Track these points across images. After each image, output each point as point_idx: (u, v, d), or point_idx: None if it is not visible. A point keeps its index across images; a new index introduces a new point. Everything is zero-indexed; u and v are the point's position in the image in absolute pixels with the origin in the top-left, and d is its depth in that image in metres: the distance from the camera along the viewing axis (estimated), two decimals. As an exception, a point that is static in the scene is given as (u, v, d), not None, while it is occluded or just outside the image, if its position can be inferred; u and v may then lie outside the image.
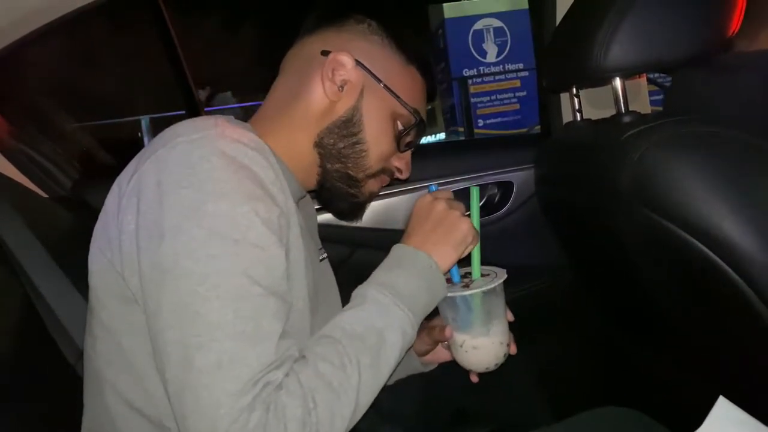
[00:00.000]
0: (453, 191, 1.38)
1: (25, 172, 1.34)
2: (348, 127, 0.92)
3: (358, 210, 1.02)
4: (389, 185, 1.56)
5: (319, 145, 0.93)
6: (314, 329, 0.89)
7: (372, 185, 0.99)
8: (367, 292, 0.82)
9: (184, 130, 0.77)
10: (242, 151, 0.76)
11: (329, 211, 1.04)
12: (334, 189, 0.97)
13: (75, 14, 1.26)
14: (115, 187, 0.81)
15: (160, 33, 1.77)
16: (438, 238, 0.88)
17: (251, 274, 0.70)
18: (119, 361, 0.80)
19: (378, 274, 0.86)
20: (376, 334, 0.77)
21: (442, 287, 0.88)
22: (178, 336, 0.68)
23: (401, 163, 0.99)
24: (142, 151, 0.81)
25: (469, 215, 0.92)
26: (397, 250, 0.89)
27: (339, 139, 0.93)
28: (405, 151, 0.99)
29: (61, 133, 1.65)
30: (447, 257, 0.88)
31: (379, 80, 0.93)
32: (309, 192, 1.03)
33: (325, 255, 1.09)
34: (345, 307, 0.83)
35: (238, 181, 0.73)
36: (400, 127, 0.96)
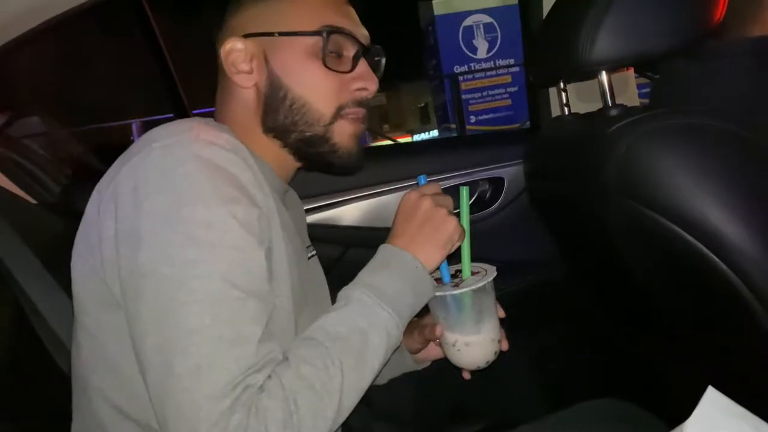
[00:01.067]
0: (444, 188, 1.38)
1: (13, 178, 1.33)
2: (275, 96, 0.88)
3: (353, 158, 0.94)
4: (379, 183, 1.58)
5: (268, 129, 0.90)
6: (302, 327, 0.88)
7: (343, 127, 0.90)
8: (351, 293, 0.82)
9: (159, 135, 0.77)
10: (217, 153, 0.75)
11: (332, 173, 0.97)
12: (309, 155, 0.93)
13: (62, 18, 1.25)
14: (95, 193, 0.81)
15: (147, 37, 1.76)
16: (424, 237, 0.87)
17: (229, 277, 0.69)
18: (104, 366, 0.80)
19: (363, 275, 0.85)
20: (360, 335, 0.77)
21: (429, 287, 0.87)
22: (157, 341, 0.68)
23: (359, 81, 0.90)
24: (121, 157, 0.80)
25: (457, 213, 0.92)
26: (382, 250, 0.88)
27: (276, 113, 0.89)
28: (354, 68, 0.90)
29: (50, 139, 1.64)
30: (433, 257, 0.87)
31: (270, 34, 0.87)
32: (299, 170, 0.99)
33: (314, 253, 1.08)
34: (329, 308, 0.82)
35: (213, 184, 0.73)
36: (321, 54, 0.87)
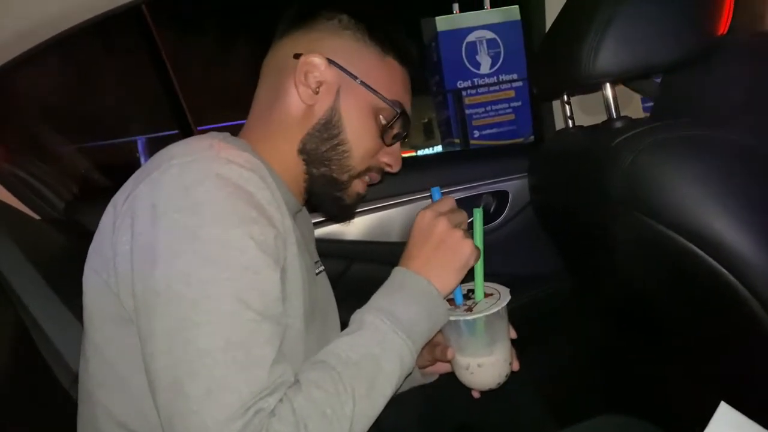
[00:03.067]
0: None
1: (17, 194, 1.33)
2: (328, 129, 0.90)
3: (346, 211, 0.99)
4: (384, 197, 1.58)
5: (302, 151, 0.91)
6: (309, 344, 0.88)
7: (357, 185, 0.95)
8: (364, 317, 0.80)
9: (178, 152, 0.76)
10: (237, 172, 0.75)
11: (319, 214, 1.02)
12: (321, 194, 0.95)
13: (66, 36, 1.26)
14: (110, 207, 0.80)
15: (151, 54, 1.77)
16: (439, 261, 0.86)
17: (244, 298, 0.69)
18: (112, 382, 0.79)
19: (377, 299, 0.83)
20: (373, 361, 0.75)
21: (444, 314, 0.85)
22: (169, 361, 0.67)
23: (390, 157, 0.96)
24: (138, 171, 0.80)
25: (471, 231, 0.91)
26: (397, 273, 0.87)
27: (321, 142, 0.90)
28: (392, 144, 0.95)
29: (54, 155, 1.65)
30: (448, 282, 0.86)
31: (354, 77, 0.89)
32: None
33: (322, 268, 1.08)
34: (342, 332, 0.81)
35: (232, 204, 0.72)
36: (383, 121, 0.91)
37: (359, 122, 0.90)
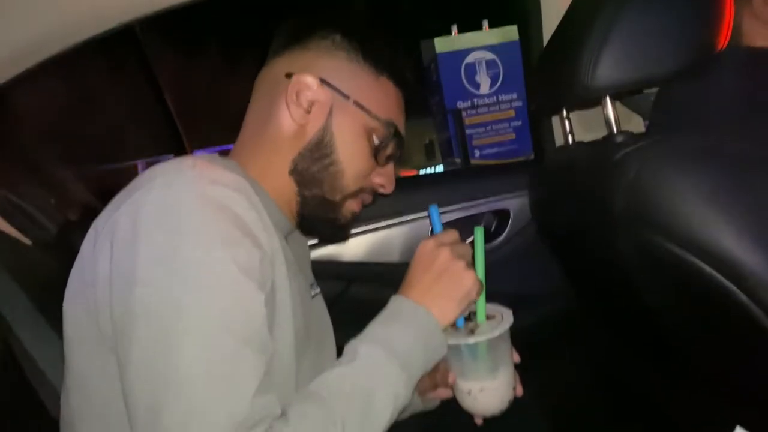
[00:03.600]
0: (450, 221, 1.35)
1: (8, 218, 1.31)
2: (320, 149, 0.88)
3: (341, 232, 0.97)
4: (383, 217, 1.56)
5: (294, 172, 0.89)
6: (304, 370, 0.85)
7: (351, 205, 0.94)
8: (359, 347, 0.77)
9: (160, 173, 0.74)
10: (221, 192, 0.73)
11: (313, 236, 1.00)
12: (313, 215, 0.93)
13: (63, 56, 1.25)
14: (92, 230, 0.78)
15: (147, 78, 1.77)
16: (440, 291, 0.83)
17: (226, 324, 0.66)
18: (92, 414, 0.76)
19: (373, 328, 0.80)
20: (365, 394, 0.72)
21: (442, 346, 0.82)
22: (146, 389, 0.64)
23: (383, 178, 0.95)
24: (121, 192, 0.78)
25: (473, 262, 0.88)
26: (395, 302, 0.84)
27: (312, 162, 0.89)
28: (385, 165, 0.94)
29: (49, 178, 1.64)
30: (448, 313, 0.83)
31: (347, 96, 0.88)
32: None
33: (318, 291, 1.05)
34: (336, 362, 0.78)
35: (215, 225, 0.70)
36: (377, 141, 0.91)
37: (352, 142, 0.89)
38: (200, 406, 0.62)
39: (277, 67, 0.92)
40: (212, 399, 0.62)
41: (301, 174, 0.89)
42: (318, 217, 0.93)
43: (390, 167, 0.96)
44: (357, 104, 0.89)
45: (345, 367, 0.75)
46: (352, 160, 0.89)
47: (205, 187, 0.72)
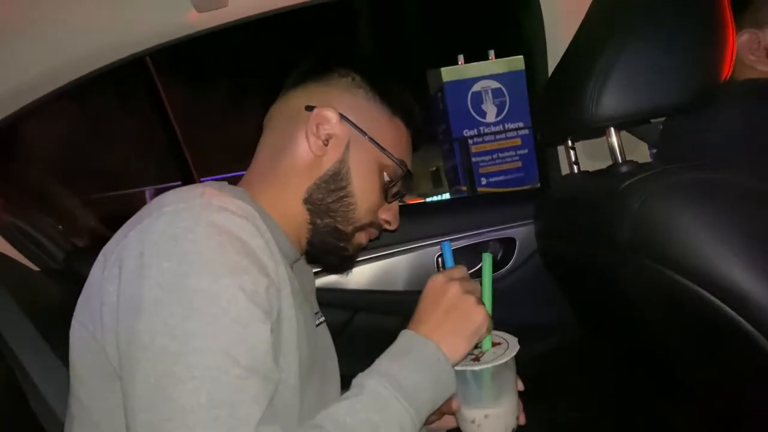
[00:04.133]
0: (455, 249, 1.34)
1: (16, 245, 1.32)
2: (336, 181, 0.91)
3: (347, 263, 1.00)
4: (388, 245, 1.56)
5: (308, 201, 0.92)
6: (308, 399, 0.84)
7: (360, 237, 0.97)
8: (366, 381, 0.76)
9: (170, 200, 0.75)
10: (229, 219, 0.73)
11: (319, 265, 1.01)
12: (324, 244, 0.95)
13: (73, 87, 1.27)
14: (100, 257, 0.78)
15: (156, 105, 1.79)
16: (450, 326, 0.82)
17: (231, 353, 0.66)
18: None
19: (381, 363, 0.79)
20: (371, 429, 0.71)
21: (451, 382, 0.81)
22: (149, 418, 0.63)
23: (389, 214, 0.98)
24: (130, 220, 0.79)
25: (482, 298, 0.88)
26: (404, 337, 0.83)
27: (327, 193, 0.91)
28: (392, 201, 0.98)
29: (56, 206, 1.65)
30: (458, 348, 0.82)
31: (364, 133, 0.92)
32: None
33: (323, 319, 1.05)
34: (342, 396, 0.77)
35: (222, 253, 0.70)
36: (387, 178, 0.95)
37: (365, 177, 0.93)
38: None
39: (295, 99, 0.95)
40: (215, 429, 0.62)
41: (315, 203, 0.92)
42: (327, 245, 0.95)
43: (395, 205, 1.00)
44: (372, 141, 0.93)
45: (352, 401, 0.74)
46: (365, 193, 0.93)
47: (213, 214, 0.72)
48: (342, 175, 0.91)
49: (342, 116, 0.91)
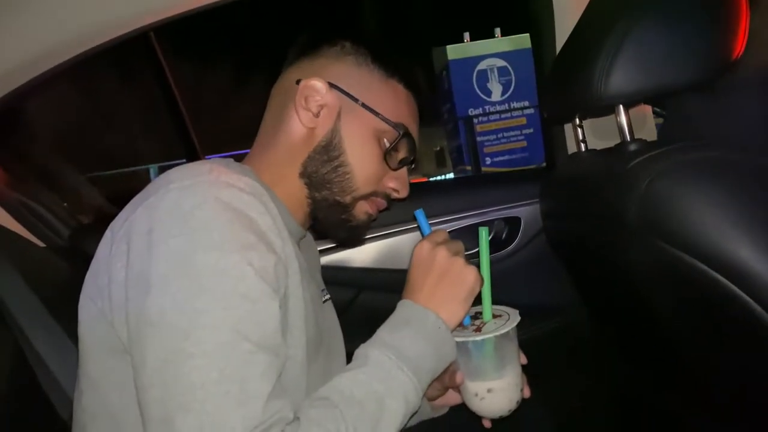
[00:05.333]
0: (460, 228, 1.34)
1: (23, 221, 1.33)
2: (328, 151, 0.89)
3: (357, 235, 0.97)
4: (392, 224, 1.55)
5: (303, 174, 0.91)
6: (314, 375, 0.85)
7: (364, 206, 0.94)
8: (369, 352, 0.77)
9: (176, 177, 0.75)
10: (237, 196, 0.73)
11: (329, 240, 1.00)
12: (327, 218, 0.94)
13: (76, 63, 1.26)
14: (108, 233, 0.78)
15: (160, 83, 1.78)
16: (444, 292, 0.84)
17: (240, 328, 0.66)
18: (104, 416, 0.76)
19: (382, 334, 0.80)
20: (376, 400, 0.73)
21: (452, 349, 0.83)
22: (160, 394, 0.64)
23: (396, 182, 0.95)
24: (137, 196, 0.79)
25: (474, 254, 0.88)
26: (403, 307, 0.84)
27: (321, 164, 0.90)
28: (398, 168, 0.95)
29: (63, 182, 1.65)
30: (456, 314, 0.84)
31: (355, 99, 0.90)
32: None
33: (328, 296, 1.06)
34: (346, 367, 0.78)
35: (230, 230, 0.70)
36: (387, 144, 0.92)
37: (361, 144, 0.90)
38: (214, 411, 0.62)
39: (289, 76, 0.94)
40: (227, 403, 0.63)
41: (310, 176, 0.90)
42: (331, 219, 0.93)
43: (403, 171, 0.97)
44: (365, 106, 0.90)
45: (356, 372, 0.75)
46: (361, 162, 0.90)
47: (221, 191, 0.72)
48: (334, 144, 0.89)
49: (331, 85, 0.89)
